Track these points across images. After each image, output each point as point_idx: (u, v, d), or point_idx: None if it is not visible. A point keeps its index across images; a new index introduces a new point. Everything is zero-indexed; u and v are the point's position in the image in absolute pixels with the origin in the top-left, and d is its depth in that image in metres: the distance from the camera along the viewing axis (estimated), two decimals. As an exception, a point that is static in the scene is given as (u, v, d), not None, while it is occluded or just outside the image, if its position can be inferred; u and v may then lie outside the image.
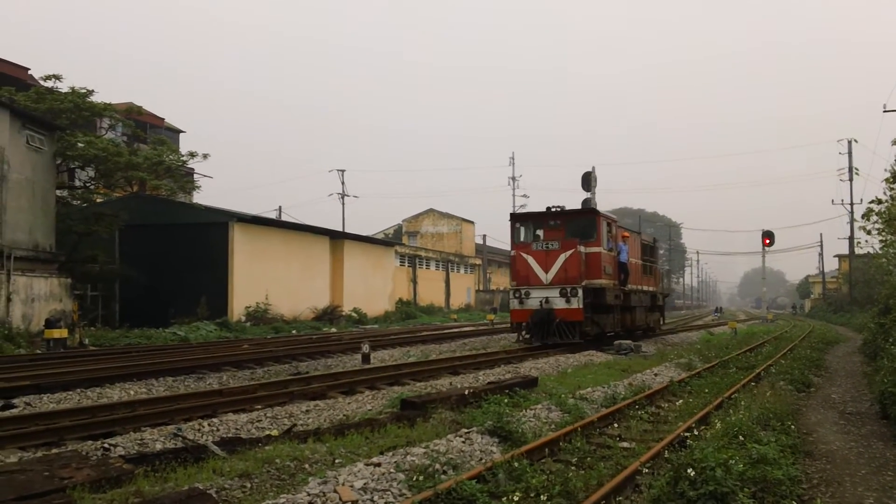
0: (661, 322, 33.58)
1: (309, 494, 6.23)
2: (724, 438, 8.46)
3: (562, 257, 21.92)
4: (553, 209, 23.33)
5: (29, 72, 41.46)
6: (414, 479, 6.94)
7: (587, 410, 11.37)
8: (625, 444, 9.13)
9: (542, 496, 6.38)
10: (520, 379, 13.88)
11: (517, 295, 22.24)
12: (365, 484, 6.65)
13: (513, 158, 73.13)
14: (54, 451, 7.72)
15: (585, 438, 9.03)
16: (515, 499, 6.31)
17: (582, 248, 22.27)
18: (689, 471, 6.20)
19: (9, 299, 25.01)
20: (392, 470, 7.10)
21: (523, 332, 22.46)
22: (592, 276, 22.26)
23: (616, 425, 10.31)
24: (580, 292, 21.52)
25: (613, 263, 23.96)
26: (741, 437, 8.42)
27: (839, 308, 63.41)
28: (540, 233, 23.54)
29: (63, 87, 32.15)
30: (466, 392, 11.72)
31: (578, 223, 23.19)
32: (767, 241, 50.52)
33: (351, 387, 12.54)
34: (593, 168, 35.58)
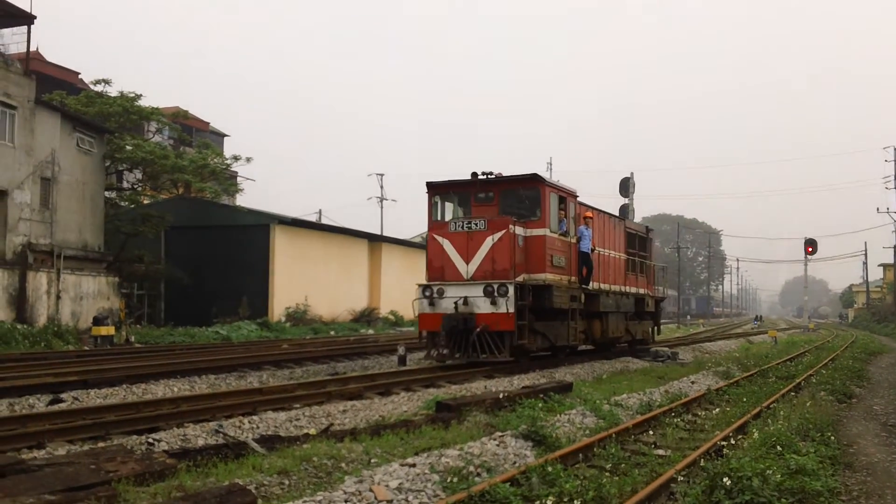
0: (655, 333, 26.57)
1: (345, 493, 6.34)
2: (762, 448, 8.38)
3: (488, 242, 16.21)
4: (484, 176, 17.54)
5: (79, 76, 42.60)
6: (448, 480, 7.02)
7: (622, 417, 11.35)
8: (660, 452, 9.09)
9: (575, 501, 6.40)
10: (554, 384, 13.88)
11: (427, 293, 16.56)
12: (400, 484, 6.75)
13: (550, 163, 72.72)
14: (100, 444, 7.95)
15: (620, 445, 9.01)
16: (549, 503, 6.35)
17: (518, 230, 16.59)
18: (725, 480, 6.18)
19: (58, 297, 25.72)
20: (427, 471, 7.19)
21: (440, 347, 16.32)
22: (534, 269, 16.94)
23: (651, 432, 10.27)
24: (511, 290, 15.75)
25: (569, 253, 18.27)
26: (779, 448, 8.33)
27: (883, 318, 62.03)
28: (466, 209, 18.05)
29: (112, 91, 32.99)
30: (501, 395, 11.77)
31: (516, 195, 17.61)
32: (810, 250, 49.57)
33: (387, 388, 12.68)
34: (632, 174, 35.33)
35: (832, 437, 9.92)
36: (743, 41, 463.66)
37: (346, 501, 6.18)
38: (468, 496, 6.08)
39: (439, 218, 17.92)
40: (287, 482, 6.99)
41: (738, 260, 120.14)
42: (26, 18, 28.07)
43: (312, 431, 9.18)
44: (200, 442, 8.42)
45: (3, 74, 24.90)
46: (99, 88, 33.21)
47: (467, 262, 16.41)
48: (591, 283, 19.20)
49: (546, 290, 16.79)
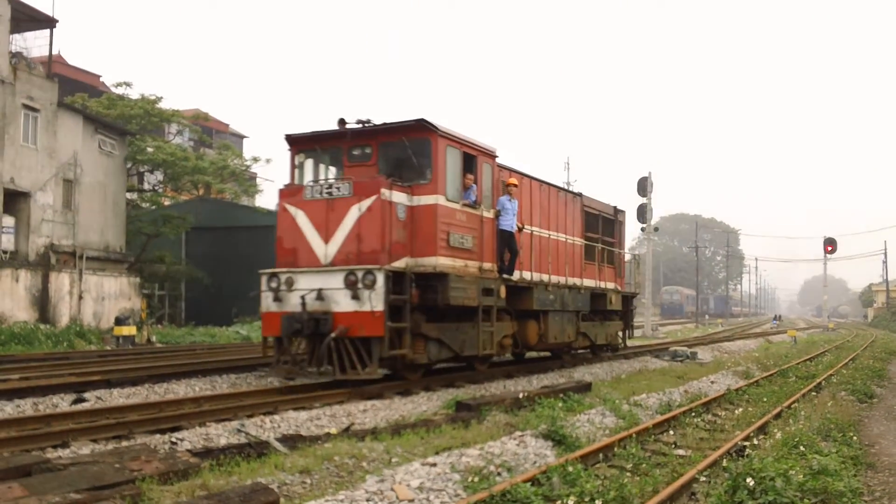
0: (626, 337, 22.21)
1: (367, 492, 6.38)
2: (784, 448, 8.35)
3: (353, 213, 12.07)
4: (359, 125, 13.19)
5: (101, 79, 43.06)
6: (469, 479, 7.04)
7: (642, 417, 11.33)
8: (680, 452, 9.07)
9: (596, 501, 6.40)
10: (574, 384, 13.88)
11: (272, 284, 12.48)
12: (421, 483, 6.78)
13: (568, 163, 72.79)
14: (124, 443, 8.03)
15: (640, 445, 9.00)
16: (570, 503, 6.35)
17: (398, 196, 12.38)
18: (748, 480, 6.16)
19: (80, 297, 26.01)
20: (447, 470, 7.21)
21: (286, 358, 12.47)
22: (422, 251, 12.58)
23: (671, 432, 10.24)
24: (380, 280, 11.55)
25: (480, 231, 13.79)
26: (801, 448, 8.30)
27: (905, 317, 61.30)
28: (340, 172, 13.89)
29: (133, 93, 33.33)
30: (521, 395, 11.79)
31: (401, 150, 13.12)
32: (830, 249, 49.29)
33: (406, 388, 12.71)
34: (649, 173, 35.15)
35: (854, 438, 9.87)
36: (765, 41, 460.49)
37: (367, 500, 6.22)
38: (489, 496, 6.10)
39: (301, 181, 13.81)
40: (309, 481, 7.05)
41: (756, 259, 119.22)
42: (48, 22, 28.39)
43: (333, 431, 9.24)
44: (223, 441, 8.49)
45: (26, 78, 25.20)
46: (120, 91, 33.57)
47: (326, 242, 12.25)
48: (517, 272, 15.16)
49: (439, 279, 12.36)
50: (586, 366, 18.51)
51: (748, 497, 5.73)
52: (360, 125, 13.19)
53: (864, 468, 8.60)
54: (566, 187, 19.59)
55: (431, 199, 12.73)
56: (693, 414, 11.43)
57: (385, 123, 13.15)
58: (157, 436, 8.47)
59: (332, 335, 11.52)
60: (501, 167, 15.28)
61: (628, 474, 7.79)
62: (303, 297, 11.91)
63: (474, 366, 14.71)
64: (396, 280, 11.92)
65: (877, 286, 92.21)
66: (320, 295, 11.90)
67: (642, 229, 36.40)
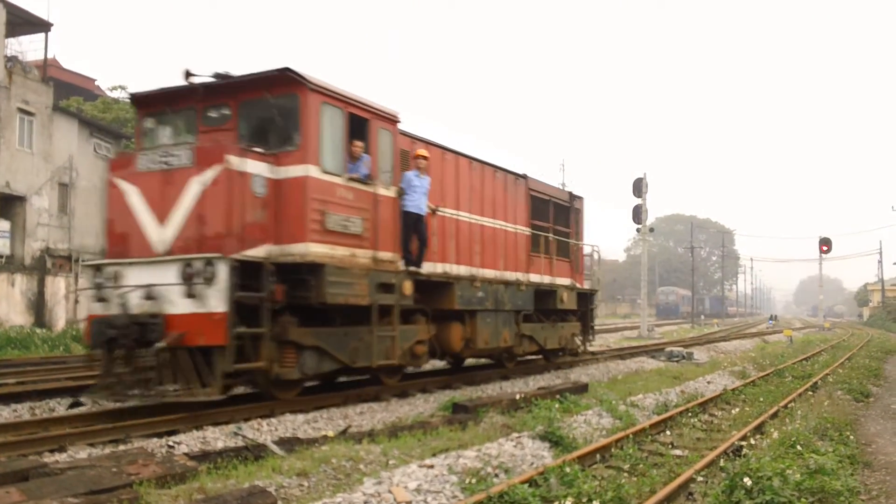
0: (587, 339, 19.69)
1: (364, 494, 6.38)
2: (781, 448, 8.39)
3: (194, 187, 9.72)
4: (213, 79, 10.76)
5: (96, 82, 42.98)
6: (466, 481, 7.06)
7: (638, 417, 11.35)
8: (677, 452, 9.10)
9: (593, 502, 6.42)
10: (570, 385, 13.91)
11: (97, 280, 10.07)
12: (419, 485, 6.79)
13: (563, 165, 73.01)
14: (121, 447, 8.02)
15: (637, 445, 9.03)
16: None
17: (253, 166, 9.96)
18: (745, 480, 6.18)
19: (76, 301, 25.95)
20: (445, 472, 7.22)
21: (110, 372, 9.96)
22: (289, 236, 10.20)
23: (668, 433, 10.27)
24: (223, 272, 9.25)
25: (373, 212, 11.31)
26: (798, 447, 8.33)
27: (900, 317, 61.51)
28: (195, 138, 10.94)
29: (128, 97, 33.36)
30: (517, 396, 11.81)
31: (264, 109, 10.68)
32: (825, 248, 49.43)
33: (403, 390, 12.71)
34: (644, 174, 35.22)
35: (851, 437, 9.91)
36: (759, 42, 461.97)
37: (365, 503, 6.23)
38: (487, 497, 6.11)
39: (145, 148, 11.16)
40: (306, 484, 7.05)
41: (751, 259, 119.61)
42: (43, 26, 28.38)
43: (330, 433, 9.24)
44: (220, 444, 8.49)
45: (21, 82, 25.21)
46: (115, 95, 33.63)
47: (162, 225, 9.86)
48: (431, 264, 12.93)
49: (313, 272, 10.07)
50: (582, 367, 18.53)
51: (745, 497, 5.75)
52: (215, 79, 10.70)
53: (860, 467, 8.63)
54: (509, 169, 16.20)
55: (300, 169, 10.19)
56: (690, 414, 11.46)
57: (246, 75, 10.64)
58: (155, 439, 8.47)
59: (160, 345, 9.19)
60: (409, 137, 12.82)
61: (625, 475, 7.81)
62: (122, 297, 9.64)
63: (381, 379, 12.32)
64: (249, 272, 9.52)
65: (872, 285, 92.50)
66: (150, 293, 9.51)
67: (638, 230, 36.42)
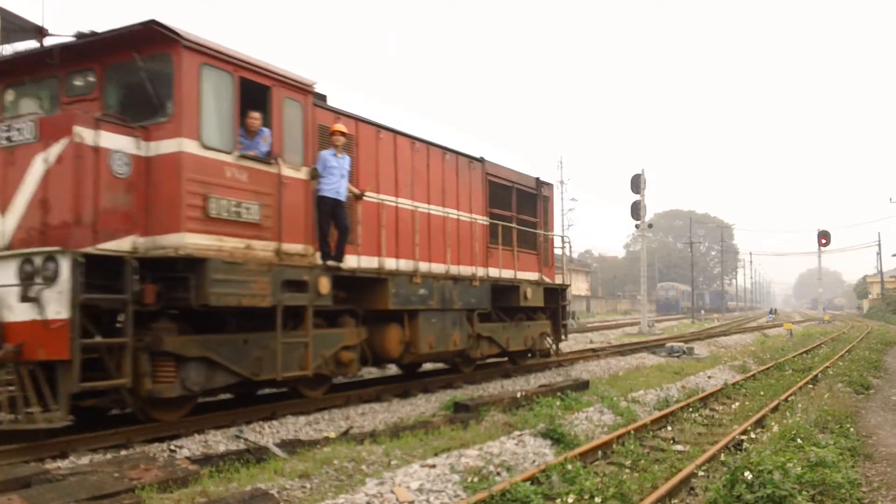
0: (559, 339, 17.94)
1: (367, 495, 6.39)
2: (782, 441, 8.41)
3: (37, 166, 8.22)
4: (72, 39, 9.15)
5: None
6: (468, 480, 7.07)
7: (639, 413, 11.37)
8: (679, 447, 9.11)
9: (596, 498, 6.43)
10: (571, 382, 13.92)
11: None
12: (421, 485, 6.80)
13: (561, 162, 72.99)
14: (123, 452, 8.02)
15: (638, 441, 9.05)
16: (569, 501, 6.39)
17: (106, 140, 8.33)
18: (745, 473, 6.19)
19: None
20: (447, 471, 7.23)
21: None
22: (159, 225, 8.65)
23: (669, 428, 10.29)
24: (65, 270, 7.72)
25: (274, 195, 9.73)
26: (798, 440, 8.35)
27: (899, 308, 61.59)
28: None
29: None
30: (518, 395, 11.82)
31: (131, 73, 9.11)
32: (824, 241, 49.54)
33: (405, 389, 12.73)
34: (643, 170, 35.25)
35: (851, 429, 9.93)
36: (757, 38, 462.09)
37: (367, 503, 6.24)
38: (489, 496, 6.12)
39: None
40: (309, 485, 7.06)
41: (751, 253, 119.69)
42: (38, 33, 28.32)
43: (332, 434, 9.25)
44: (222, 448, 8.49)
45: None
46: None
47: (3, 212, 8.40)
48: (363, 257, 11.49)
49: (192, 268, 8.54)
50: (583, 363, 18.53)
51: (746, 490, 5.77)
52: (75, 38, 9.09)
53: (861, 459, 8.66)
54: (462, 151, 14.57)
55: (173, 144, 8.56)
56: (691, 409, 11.47)
57: (108, 31, 8.92)
58: (156, 444, 8.46)
59: None
60: (331, 111, 11.21)
61: (627, 471, 7.82)
62: None
63: (300, 391, 10.91)
64: (106, 270, 8.08)
65: (871, 278, 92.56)
66: None
67: (637, 226, 36.44)
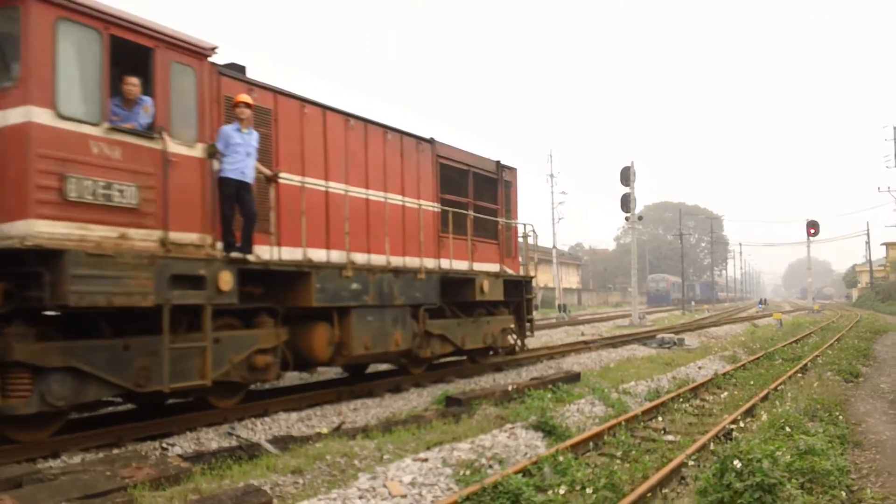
0: (524, 334, 16.48)
1: (359, 489, 6.41)
2: (771, 430, 8.47)
3: None
4: None
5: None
6: (461, 473, 7.10)
7: (631, 404, 11.42)
8: (669, 437, 9.16)
9: (587, 489, 6.48)
10: (562, 374, 13.97)
11: None
12: (413, 479, 6.82)
13: (551, 156, 72.92)
14: (115, 451, 8.01)
15: (630, 432, 9.09)
16: (561, 492, 6.43)
17: None
18: (735, 462, 6.23)
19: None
20: (439, 465, 7.26)
21: None
22: (1, 211, 7.33)
23: (660, 418, 10.34)
24: None
25: (158, 175, 8.41)
26: (788, 429, 8.41)
27: (887, 296, 62.03)
28: None
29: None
30: (510, 388, 11.85)
31: None
32: (813, 231, 49.79)
33: (397, 384, 12.74)
34: (632, 163, 35.31)
35: (840, 417, 10.01)
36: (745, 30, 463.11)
37: (360, 498, 6.25)
38: (481, 488, 6.14)
39: None
40: (301, 481, 7.07)
41: (740, 244, 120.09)
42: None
43: (324, 430, 9.26)
44: (214, 445, 8.49)
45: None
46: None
47: None
48: (280, 248, 10.20)
49: (46, 262, 7.42)
50: (575, 356, 18.59)
51: (736, 479, 5.81)
52: None
53: (851, 447, 8.72)
54: (408, 131, 13.24)
55: (19, 113, 7.33)
56: (681, 400, 11.53)
57: None
58: (148, 442, 8.45)
59: None
60: (239, 80, 9.83)
61: (618, 461, 7.87)
62: None
63: (210, 402, 9.60)
64: None
65: (860, 267, 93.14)
66: None
67: (627, 219, 36.52)
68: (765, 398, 11.38)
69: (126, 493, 6.33)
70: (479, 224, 15.05)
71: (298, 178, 10.51)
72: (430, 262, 13.22)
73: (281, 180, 10.09)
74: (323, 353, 10.82)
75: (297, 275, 10.38)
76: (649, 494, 6.45)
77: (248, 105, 9.32)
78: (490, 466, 7.48)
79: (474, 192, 15.14)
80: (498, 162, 16.29)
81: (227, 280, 8.93)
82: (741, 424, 9.24)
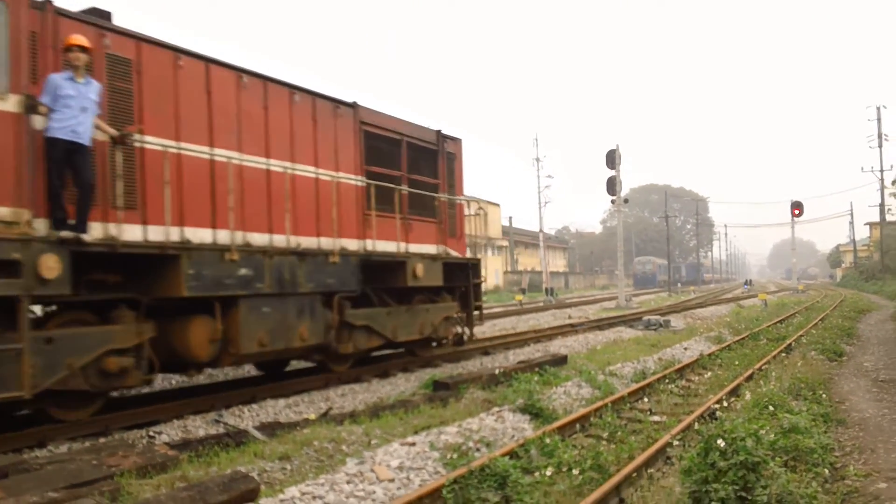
0: (471, 323, 15.10)
1: (347, 474, 6.43)
2: (755, 409, 8.54)
3: None
4: None
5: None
6: (448, 457, 7.13)
7: (617, 386, 11.50)
8: (655, 418, 9.24)
9: (573, 470, 6.52)
10: (549, 357, 14.01)
11: None
12: (401, 463, 6.85)
13: (536, 139, 72.93)
14: (101, 440, 7.99)
15: (616, 413, 9.16)
16: (548, 473, 6.47)
17: None
18: (719, 442, 6.28)
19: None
20: (426, 449, 7.29)
21: None
22: None
23: (646, 399, 10.42)
24: None
25: None
26: (772, 408, 8.49)
27: (871, 276, 62.55)
28: None
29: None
30: (497, 371, 11.89)
31: None
32: (797, 212, 50.05)
33: (385, 370, 12.75)
34: (617, 146, 35.36)
35: (824, 395, 10.10)
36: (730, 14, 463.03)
37: (348, 483, 6.28)
38: (468, 471, 6.17)
39: None
40: (289, 467, 7.08)
41: (725, 226, 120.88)
42: None
43: (312, 416, 9.27)
44: (201, 432, 8.48)
45: None
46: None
47: None
48: (141, 226, 8.52)
49: None
50: (562, 339, 18.67)
51: (720, 458, 5.85)
52: None
53: (834, 424, 8.82)
54: (323, 93, 11.62)
55: None
56: (667, 380, 11.62)
57: None
58: (135, 431, 8.43)
59: None
60: (74, 19, 8.09)
61: (605, 443, 7.93)
62: None
63: (53, 415, 8.14)
64: None
65: (844, 247, 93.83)
66: None
67: (612, 202, 36.61)
68: (749, 378, 11.48)
69: (113, 481, 6.31)
70: (414, 201, 13.44)
71: (172, 143, 8.86)
72: (351, 244, 11.70)
73: (147, 145, 8.50)
74: (202, 352, 9.22)
75: (163, 259, 8.71)
76: (635, 475, 6.50)
77: (83, 49, 7.67)
78: (477, 450, 7.52)
79: (409, 165, 13.49)
80: (438, 131, 14.62)
81: (51, 266, 7.32)
82: (725, 404, 9.31)
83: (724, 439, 5.94)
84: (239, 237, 9.65)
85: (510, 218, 76.34)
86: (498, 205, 78.99)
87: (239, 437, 8.02)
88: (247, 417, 9.29)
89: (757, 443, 6.06)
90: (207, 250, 9.13)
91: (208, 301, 9.22)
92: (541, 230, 57.57)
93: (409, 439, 7.61)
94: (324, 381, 11.50)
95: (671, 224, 75.45)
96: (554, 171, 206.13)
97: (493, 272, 68.30)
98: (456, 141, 15.22)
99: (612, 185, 35.69)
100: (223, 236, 9.45)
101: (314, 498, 5.91)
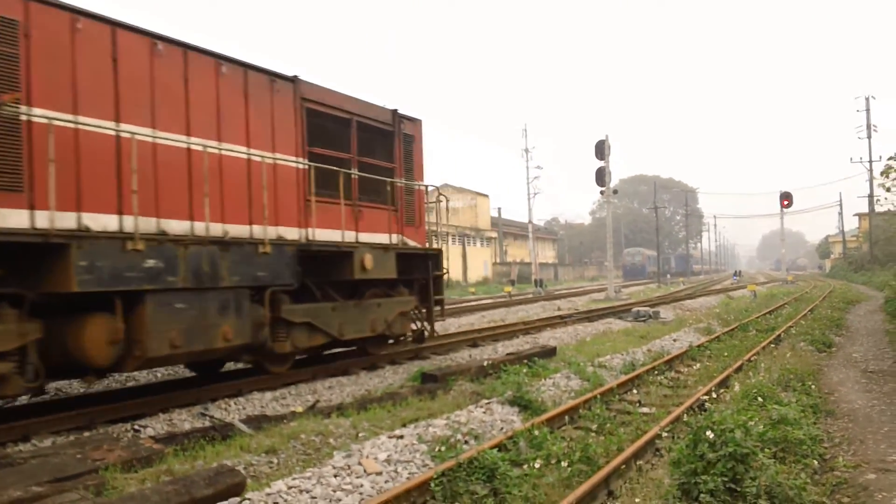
0: (431, 318, 13.97)
1: (334, 468, 6.37)
2: (744, 401, 8.53)
3: None
4: None
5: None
6: (436, 449, 7.08)
7: (606, 378, 11.47)
8: (644, 410, 9.22)
9: (562, 462, 6.48)
10: (539, 349, 13.99)
11: None
12: (388, 456, 6.80)
13: (525, 130, 72.88)
14: (86, 434, 7.90)
15: (605, 405, 9.13)
16: (537, 466, 6.43)
17: None
18: (708, 433, 6.26)
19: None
20: (415, 441, 7.23)
21: None
22: None
23: (635, 391, 10.40)
24: None
25: None
26: (761, 399, 8.47)
27: (860, 267, 62.87)
28: None
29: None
30: (486, 363, 11.85)
31: None
32: (786, 203, 50.26)
33: (372, 362, 12.69)
34: (606, 136, 35.32)
35: (813, 387, 10.11)
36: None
37: (335, 476, 6.22)
38: (457, 464, 6.12)
39: None
40: (276, 460, 7.02)
41: (714, 217, 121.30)
42: None
43: (299, 409, 9.20)
44: (187, 426, 8.40)
45: None
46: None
47: None
48: (34, 212, 7.50)
49: None
50: (551, 330, 18.65)
51: (709, 450, 5.82)
52: None
53: (823, 415, 8.83)
54: (257, 65, 10.46)
55: None
56: (656, 372, 11.61)
57: None
58: (120, 424, 8.35)
59: None
60: None
61: (594, 435, 7.89)
62: None
63: None
64: None
65: (833, 237, 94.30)
66: None
67: (602, 192, 36.60)
68: (738, 369, 11.48)
69: (97, 475, 6.25)
70: (366, 186, 12.32)
71: (67, 116, 7.80)
72: (291, 232, 10.66)
73: (35, 118, 7.49)
74: (101, 355, 8.09)
75: (50, 249, 7.62)
76: (624, 467, 6.47)
77: None
78: (466, 442, 7.48)
79: (359, 147, 12.34)
80: (394, 111, 13.36)
81: None
82: (715, 396, 9.30)
83: (713, 431, 5.92)
84: (151, 224, 8.58)
85: (499, 209, 76.25)
86: (487, 196, 78.99)
87: (225, 430, 7.96)
88: (233, 410, 9.22)
89: (746, 434, 6.04)
90: (104, 238, 8.01)
91: (108, 297, 8.12)
92: (530, 221, 57.59)
93: (397, 432, 7.56)
94: (311, 374, 11.43)
95: (660, 215, 75.59)
96: (544, 161, 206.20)
97: (482, 263, 68.35)
98: (415, 122, 14.00)
99: (601, 176, 35.67)
100: (130, 223, 8.35)
101: (301, 491, 5.85)
